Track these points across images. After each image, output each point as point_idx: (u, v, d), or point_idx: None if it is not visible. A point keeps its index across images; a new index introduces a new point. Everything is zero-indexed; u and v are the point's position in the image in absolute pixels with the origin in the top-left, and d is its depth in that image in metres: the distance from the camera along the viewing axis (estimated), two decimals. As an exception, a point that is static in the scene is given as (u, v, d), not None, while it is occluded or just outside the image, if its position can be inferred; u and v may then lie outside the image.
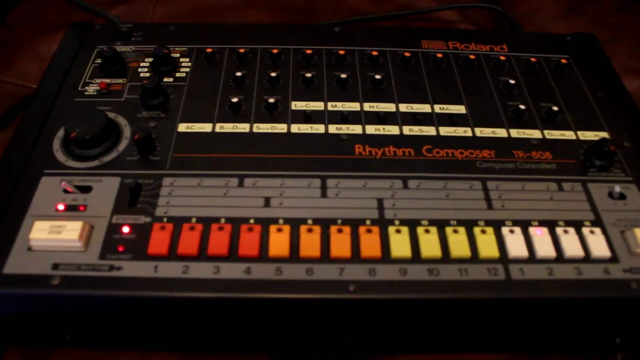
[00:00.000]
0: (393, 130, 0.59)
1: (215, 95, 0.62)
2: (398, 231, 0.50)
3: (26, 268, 0.47)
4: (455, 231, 0.50)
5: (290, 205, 0.52)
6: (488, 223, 0.51)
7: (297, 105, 0.61)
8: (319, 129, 0.59)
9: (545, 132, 0.60)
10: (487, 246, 0.49)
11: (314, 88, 0.63)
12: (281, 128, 0.58)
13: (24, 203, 0.51)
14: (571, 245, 0.50)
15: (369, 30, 0.75)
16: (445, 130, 0.59)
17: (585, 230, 0.51)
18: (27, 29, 0.84)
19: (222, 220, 0.50)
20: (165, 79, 0.63)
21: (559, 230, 0.51)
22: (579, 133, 0.60)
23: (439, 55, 0.67)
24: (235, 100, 0.60)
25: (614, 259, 0.50)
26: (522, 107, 0.61)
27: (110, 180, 0.53)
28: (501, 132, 0.59)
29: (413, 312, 0.49)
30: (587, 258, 0.50)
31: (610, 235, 0.51)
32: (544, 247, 0.50)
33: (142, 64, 0.65)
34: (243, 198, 0.52)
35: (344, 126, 0.59)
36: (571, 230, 0.51)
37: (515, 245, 0.50)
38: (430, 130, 0.59)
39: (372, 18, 0.86)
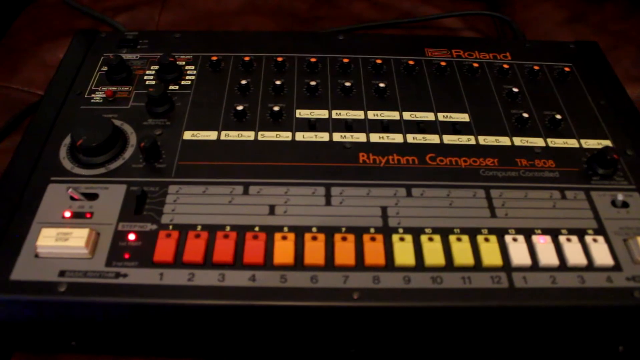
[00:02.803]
0: (397, 138, 0.59)
1: (220, 103, 0.62)
2: (402, 239, 0.50)
3: (33, 275, 0.47)
4: (459, 239, 0.50)
5: (295, 213, 0.52)
6: (491, 231, 0.52)
7: (302, 113, 0.61)
8: (324, 137, 0.59)
9: (549, 140, 0.60)
10: (491, 254, 0.50)
11: (318, 96, 0.64)
12: (286, 136, 0.59)
13: (31, 210, 0.52)
14: (574, 253, 0.50)
15: (373, 38, 0.75)
16: (448, 139, 0.59)
17: (588, 239, 0.51)
18: (33, 35, 0.85)
19: (227, 228, 0.51)
20: (171, 87, 0.64)
21: (562, 239, 0.51)
22: (582, 141, 0.60)
23: (443, 63, 0.67)
24: (240, 108, 0.60)
25: (616, 267, 0.50)
26: (526, 115, 0.61)
27: (117, 188, 0.53)
28: (504, 141, 0.60)
29: (416, 320, 0.49)
30: (590, 266, 0.50)
31: (613, 243, 0.52)
32: (547, 255, 0.50)
33: (147, 72, 0.66)
34: (248, 206, 0.52)
35: (348, 134, 0.59)
36: (574, 238, 0.51)
37: (519, 254, 0.50)
38: (433, 139, 0.59)
39: (375, 25, 0.87)
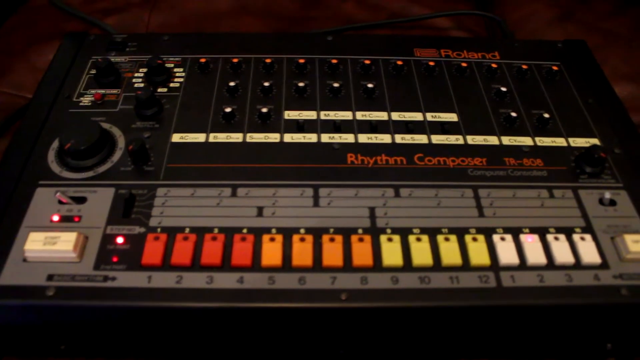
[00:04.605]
0: (385, 138, 0.59)
1: (209, 105, 0.62)
2: (390, 240, 0.50)
3: (21, 279, 0.47)
4: (447, 239, 0.51)
5: (283, 214, 0.52)
6: (479, 231, 0.52)
7: (290, 114, 0.61)
8: (312, 138, 0.59)
9: (537, 139, 0.60)
10: (478, 254, 0.50)
11: (306, 97, 0.64)
12: (274, 137, 0.59)
13: (19, 214, 0.52)
14: (562, 252, 0.50)
15: (362, 38, 0.75)
16: (437, 139, 0.60)
17: (576, 237, 0.52)
18: (22, 38, 0.85)
19: (216, 230, 0.51)
20: (160, 89, 0.64)
21: (550, 237, 0.51)
22: (570, 140, 0.61)
23: (431, 63, 0.68)
24: (228, 110, 0.60)
25: (604, 265, 0.50)
26: (514, 114, 0.62)
27: (105, 191, 0.53)
28: (493, 140, 0.60)
29: (405, 320, 0.49)
30: (578, 264, 0.50)
31: (601, 241, 0.52)
32: (534, 254, 0.50)
33: (136, 75, 0.66)
34: (236, 208, 0.52)
35: (336, 135, 0.59)
36: (562, 237, 0.51)
37: (506, 253, 0.50)
38: (422, 139, 0.59)
39: (365, 26, 0.87)
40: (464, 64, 0.68)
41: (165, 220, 0.51)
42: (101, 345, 0.52)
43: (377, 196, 0.54)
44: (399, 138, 0.59)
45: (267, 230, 0.51)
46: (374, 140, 0.59)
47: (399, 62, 0.67)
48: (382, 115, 0.62)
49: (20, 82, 0.79)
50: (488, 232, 0.52)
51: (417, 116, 0.62)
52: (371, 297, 0.47)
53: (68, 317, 0.48)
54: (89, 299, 0.47)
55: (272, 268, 0.48)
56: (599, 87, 0.67)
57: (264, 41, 0.71)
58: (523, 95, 0.65)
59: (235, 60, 0.67)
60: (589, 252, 0.51)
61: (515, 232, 0.52)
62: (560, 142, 0.60)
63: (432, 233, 0.51)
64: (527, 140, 0.60)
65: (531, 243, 0.51)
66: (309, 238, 0.50)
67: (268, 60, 0.67)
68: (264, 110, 0.61)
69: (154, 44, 0.70)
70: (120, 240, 0.50)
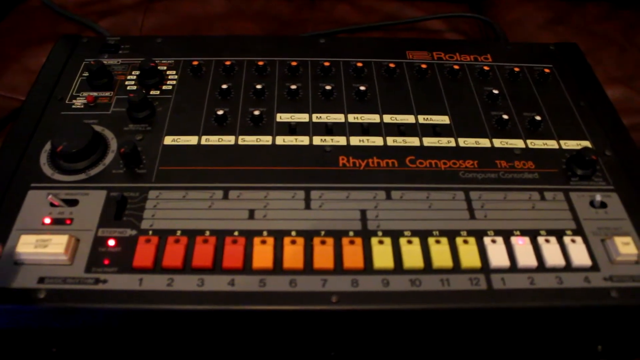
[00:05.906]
0: (377, 141, 0.59)
1: (201, 108, 0.62)
2: (381, 242, 0.50)
3: (12, 282, 0.47)
4: (438, 241, 0.51)
5: (274, 217, 0.52)
6: (470, 233, 0.52)
7: (282, 117, 0.62)
8: (304, 140, 0.59)
9: (528, 141, 0.61)
10: (469, 256, 0.50)
11: (299, 100, 0.64)
12: (266, 140, 0.59)
13: (10, 217, 0.52)
14: (552, 254, 0.51)
15: (354, 41, 0.75)
16: (428, 141, 0.60)
17: (567, 239, 0.52)
18: (16, 41, 0.85)
19: (207, 233, 0.51)
20: (152, 92, 0.64)
21: (541, 240, 0.51)
22: (562, 142, 0.61)
23: (423, 65, 0.68)
24: (220, 112, 0.60)
25: (594, 267, 0.50)
26: (506, 117, 0.62)
27: (97, 194, 0.53)
28: (484, 142, 0.60)
29: (395, 323, 0.49)
30: (568, 267, 0.50)
31: (591, 243, 0.52)
32: (525, 256, 0.50)
33: (129, 77, 0.66)
34: (228, 210, 0.52)
35: (328, 138, 0.59)
36: (552, 239, 0.52)
37: (497, 255, 0.50)
38: (414, 141, 0.60)
39: (358, 29, 0.87)
40: (456, 67, 0.68)
41: (156, 222, 0.51)
42: (92, 347, 0.52)
43: (368, 199, 0.54)
44: (391, 140, 0.60)
45: (259, 232, 0.51)
46: (365, 143, 0.59)
47: (391, 65, 0.67)
48: (374, 118, 0.62)
49: (13, 84, 0.79)
50: (479, 235, 0.52)
51: (409, 119, 0.62)
52: (362, 300, 0.47)
53: (59, 320, 0.48)
54: (80, 301, 0.47)
55: (263, 270, 0.48)
56: (591, 90, 0.67)
57: (256, 44, 0.71)
58: (515, 98, 0.65)
59: (227, 62, 0.67)
60: (579, 255, 0.51)
61: (506, 235, 0.52)
62: (551, 144, 0.60)
63: (423, 235, 0.51)
64: (518, 143, 0.60)
65: (522, 245, 0.51)
66: (300, 240, 0.50)
67: (260, 63, 0.67)
68: (256, 112, 0.61)
69: (147, 46, 0.70)
70: (111, 242, 0.50)
